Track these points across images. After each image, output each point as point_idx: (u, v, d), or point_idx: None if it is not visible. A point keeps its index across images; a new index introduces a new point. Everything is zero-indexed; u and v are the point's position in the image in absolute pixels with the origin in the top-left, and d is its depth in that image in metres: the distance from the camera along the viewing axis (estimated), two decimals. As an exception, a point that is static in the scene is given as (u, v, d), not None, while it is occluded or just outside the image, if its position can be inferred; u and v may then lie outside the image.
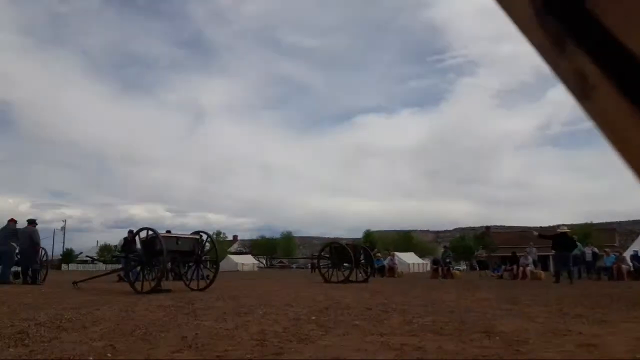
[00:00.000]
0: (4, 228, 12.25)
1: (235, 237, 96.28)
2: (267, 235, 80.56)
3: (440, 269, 20.62)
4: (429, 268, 29.27)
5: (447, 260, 21.29)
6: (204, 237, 10.25)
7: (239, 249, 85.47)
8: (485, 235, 65.48)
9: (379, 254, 24.60)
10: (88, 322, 4.64)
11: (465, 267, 52.40)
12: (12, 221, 12.41)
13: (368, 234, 68.76)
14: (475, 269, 32.34)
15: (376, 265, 20.08)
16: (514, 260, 19.54)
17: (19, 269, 12.30)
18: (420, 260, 48.01)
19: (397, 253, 35.37)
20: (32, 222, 12.48)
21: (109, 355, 3.07)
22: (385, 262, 23.20)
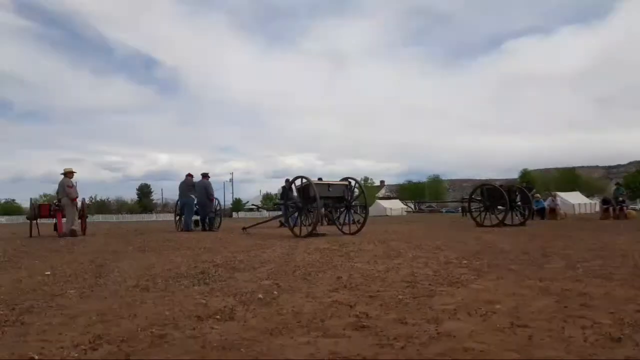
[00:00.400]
0: (183, 182, 14.10)
1: (382, 182, 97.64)
2: (415, 179, 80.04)
3: (611, 208, 18.49)
4: (597, 209, 26.39)
5: (620, 198, 18.94)
6: (353, 183, 10.61)
7: (386, 193, 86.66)
8: (670, 168, 56.37)
9: (537, 195, 22.85)
10: (256, 263, 5.23)
11: (644, 206, 46.04)
12: (190, 176, 14.21)
13: (525, 174, 64.16)
14: (658, 208, 28.22)
15: (535, 207, 18.76)
16: None
17: (198, 217, 14.13)
18: (587, 200, 43.32)
19: (559, 193, 32.55)
20: (205, 176, 14.12)
21: (275, 292, 3.45)
22: (546, 204, 21.51)
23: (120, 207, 78.70)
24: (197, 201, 13.71)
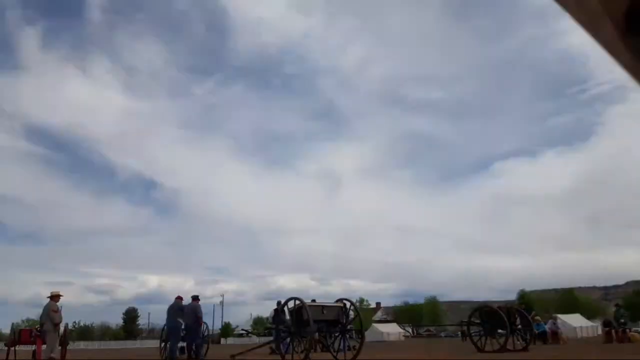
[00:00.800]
0: (172, 305, 13.64)
1: (378, 304, 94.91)
2: (411, 300, 78.05)
3: (613, 331, 17.89)
4: (599, 331, 25.47)
5: (622, 320, 18.42)
6: (348, 305, 10.33)
7: (382, 316, 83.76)
8: (668, 289, 55.68)
9: (537, 317, 22.18)
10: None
11: (647, 329, 44.55)
12: (179, 298, 13.78)
13: (523, 295, 62.88)
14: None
15: (536, 331, 18.12)
16: None
17: (185, 344, 13.45)
18: (588, 323, 41.93)
19: (559, 315, 31.69)
20: (195, 298, 13.71)
21: None
22: (547, 327, 20.82)
23: (104, 332, 74.98)
24: (185, 325, 13.18)
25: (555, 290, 75.06)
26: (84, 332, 69.98)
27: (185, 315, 13.21)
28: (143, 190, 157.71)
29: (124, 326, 77.17)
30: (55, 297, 11.27)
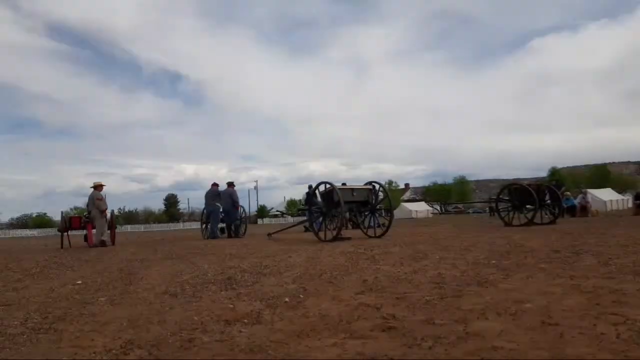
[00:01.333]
0: (209, 191, 14.32)
1: (407, 185, 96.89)
2: (440, 181, 79.10)
3: (645, 204, 17.93)
4: (630, 204, 25.59)
5: (655, 194, 18.35)
6: (377, 186, 10.56)
7: (411, 196, 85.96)
8: None
9: (567, 193, 22.31)
10: (282, 268, 5.25)
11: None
12: (215, 185, 14.44)
13: (554, 172, 62.76)
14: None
15: (565, 205, 18.32)
16: None
17: (224, 225, 14.29)
18: (619, 197, 42.02)
19: (590, 190, 31.74)
20: (231, 184, 14.33)
21: (301, 296, 3.46)
22: (577, 201, 21.00)
23: (148, 217, 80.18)
24: (223, 209, 13.88)
25: (588, 166, 74.40)
26: (129, 217, 74.88)
27: (222, 200, 13.89)
28: (169, 83, 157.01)
29: (166, 211, 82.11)
30: (98, 187, 11.90)
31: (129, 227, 57.12)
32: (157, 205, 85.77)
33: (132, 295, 3.90)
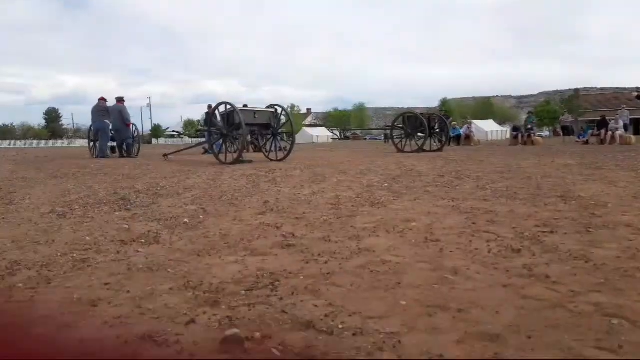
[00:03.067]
0: (96, 106, 13.20)
1: (308, 109, 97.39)
2: (340, 107, 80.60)
3: (520, 135, 19.91)
4: (508, 135, 28.35)
5: (529, 126, 20.40)
6: (279, 110, 10.49)
7: (312, 121, 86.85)
8: (573, 99, 60.86)
9: (454, 123, 24.00)
10: (181, 189, 5.14)
11: (548, 134, 49.98)
12: (103, 100, 13.30)
13: (444, 103, 66.65)
14: (560, 135, 30.72)
15: (452, 135, 19.74)
16: (602, 124, 18.33)
17: (115, 143, 13.45)
18: (499, 128, 46.22)
19: (474, 121, 34.28)
20: (120, 100, 13.28)
21: (201, 217, 3.44)
22: (462, 131, 22.69)
23: (26, 132, 72.87)
24: (113, 127, 12.98)
25: (475, 99, 80.00)
26: (5, 132, 67.60)
27: (112, 117, 12.94)
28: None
29: (47, 127, 75.04)
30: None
31: (5, 143, 51.63)
32: (37, 120, 78.15)
33: (14, 215, 3.61)
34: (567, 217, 3.14)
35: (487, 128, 42.12)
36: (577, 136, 22.02)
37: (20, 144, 54.88)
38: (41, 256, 2.36)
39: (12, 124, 73.97)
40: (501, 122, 53.08)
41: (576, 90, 68.10)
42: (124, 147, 13.09)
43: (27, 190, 5.21)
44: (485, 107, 65.59)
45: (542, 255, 2.27)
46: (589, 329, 1.43)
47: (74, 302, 1.72)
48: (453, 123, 22.90)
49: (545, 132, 51.83)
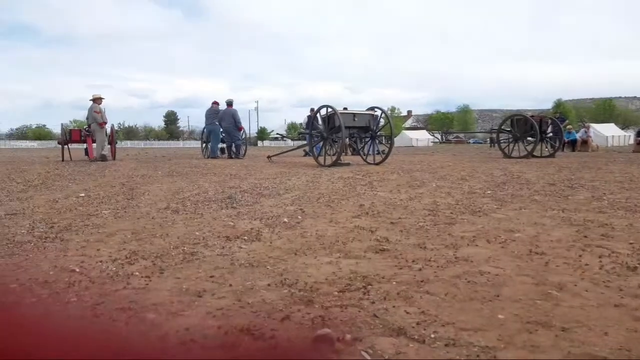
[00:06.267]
0: (209, 109, 14.18)
1: (409, 112, 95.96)
2: (443, 109, 78.39)
3: (646, 141, 17.89)
4: (631, 141, 25.58)
5: (657, 131, 18.25)
6: (379, 112, 10.48)
7: (413, 124, 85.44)
8: None
9: (570, 126, 22.19)
10: (282, 190, 5.35)
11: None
12: (216, 103, 14.27)
13: (559, 104, 62.05)
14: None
15: (566, 139, 18.28)
16: None
17: (225, 145, 14.32)
18: (622, 132, 41.90)
19: (593, 124, 31.50)
20: (230, 104, 14.12)
21: (299, 217, 3.56)
22: (578, 135, 20.93)
23: (148, 133, 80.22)
24: (224, 128, 13.83)
25: (593, 100, 73.33)
26: (129, 133, 74.96)
27: (224, 120, 13.79)
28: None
29: (166, 128, 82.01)
30: (97, 100, 11.77)
31: (128, 143, 57.30)
32: (157, 122, 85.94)
33: (134, 209, 4.01)
34: (701, 235, 2.78)
35: (608, 132, 38.41)
36: None
37: (142, 144, 60.50)
38: (156, 248, 2.60)
39: (136, 125, 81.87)
40: (624, 126, 48.04)
41: None
42: (233, 148, 13.87)
43: (146, 186, 5.75)
44: (605, 109, 59.90)
45: (666, 276, 2.03)
46: None
47: (182, 291, 1.88)
48: (568, 127, 21.19)
49: (679, 138, 46.03)
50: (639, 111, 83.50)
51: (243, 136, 14.64)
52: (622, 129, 45.70)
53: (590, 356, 1.31)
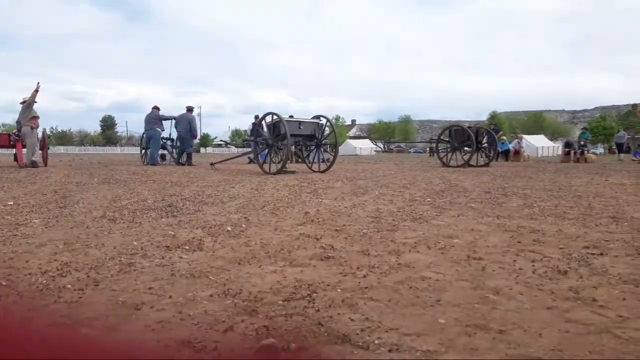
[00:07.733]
0: (149, 114, 13.73)
1: (353, 121, 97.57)
2: (386, 119, 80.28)
3: (572, 152, 19.15)
4: (560, 152, 27.31)
5: (582, 142, 19.58)
6: (324, 121, 10.57)
7: (357, 133, 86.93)
8: (631, 114, 58.08)
9: (503, 137, 23.37)
10: (225, 198, 5.26)
11: (602, 151, 47.85)
12: (156, 108, 13.84)
13: (494, 116, 65.21)
14: (615, 152, 29.31)
15: (500, 150, 19.23)
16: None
17: (165, 151, 13.91)
18: (551, 144, 44.68)
19: (525, 136, 33.32)
20: (190, 110, 13.72)
21: (243, 225, 3.51)
22: (511, 146, 22.06)
23: (83, 138, 76.66)
24: (178, 133, 13.45)
25: (526, 112, 77.70)
26: (62, 138, 71.33)
27: (180, 125, 13.40)
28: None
29: (102, 133, 78.68)
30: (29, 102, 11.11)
31: (62, 149, 54.49)
32: (93, 126, 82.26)
33: (67, 218, 3.80)
34: (619, 239, 2.99)
35: (538, 143, 40.86)
36: (633, 154, 20.96)
37: (76, 149, 57.67)
38: (91, 259, 2.47)
39: (70, 130, 77.96)
40: (553, 138, 51.24)
41: (634, 106, 64.95)
42: (185, 156, 13.47)
43: (80, 194, 5.48)
44: (536, 122, 63.61)
45: (590, 277, 2.17)
46: (637, 356, 1.36)
47: (119, 304, 1.79)
48: (502, 137, 22.31)
49: (600, 149, 49.64)
50: (566, 123, 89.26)
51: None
52: (551, 140, 48.74)
53: (526, 357, 1.37)
